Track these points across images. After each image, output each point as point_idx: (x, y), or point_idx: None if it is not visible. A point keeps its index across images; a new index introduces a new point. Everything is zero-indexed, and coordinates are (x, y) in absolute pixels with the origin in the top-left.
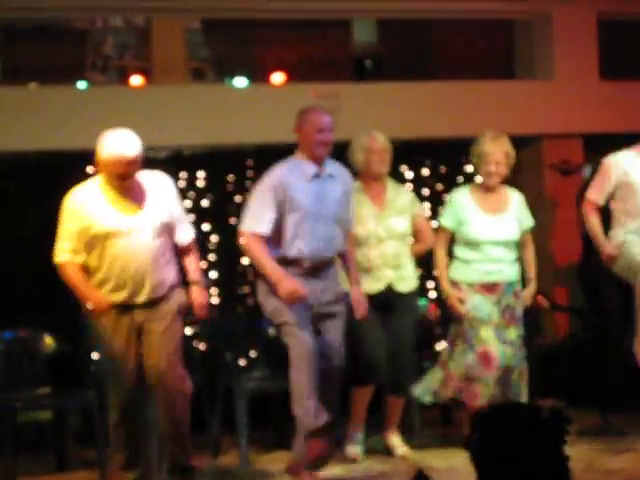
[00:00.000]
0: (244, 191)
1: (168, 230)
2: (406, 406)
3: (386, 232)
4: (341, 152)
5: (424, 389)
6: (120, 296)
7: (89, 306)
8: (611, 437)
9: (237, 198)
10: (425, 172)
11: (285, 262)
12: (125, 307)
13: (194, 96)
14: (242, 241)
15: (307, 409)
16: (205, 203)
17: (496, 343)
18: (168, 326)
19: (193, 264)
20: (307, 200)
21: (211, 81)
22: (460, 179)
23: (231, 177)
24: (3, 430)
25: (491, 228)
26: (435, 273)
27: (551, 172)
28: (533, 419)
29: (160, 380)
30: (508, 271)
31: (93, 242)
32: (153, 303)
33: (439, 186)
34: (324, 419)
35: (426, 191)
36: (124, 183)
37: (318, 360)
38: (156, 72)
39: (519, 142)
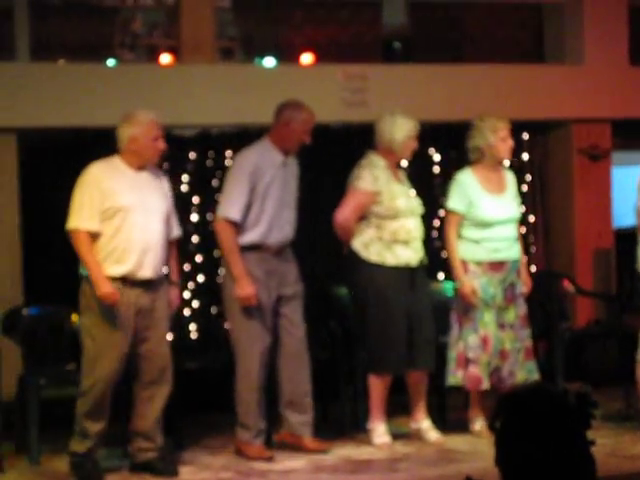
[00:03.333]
0: None
1: (167, 220)
2: (430, 388)
3: (416, 207)
4: (368, 134)
5: (447, 371)
6: (125, 268)
7: (98, 289)
8: (635, 423)
9: None
10: (453, 155)
11: (256, 246)
12: (125, 282)
13: (223, 75)
14: (215, 225)
15: (248, 421)
16: None
17: (494, 328)
18: (165, 325)
19: (175, 264)
20: (276, 187)
21: (240, 60)
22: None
23: None
24: (28, 406)
25: (498, 208)
26: (450, 259)
27: (579, 157)
28: (559, 403)
29: (161, 373)
30: (514, 249)
31: (109, 213)
32: (152, 284)
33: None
34: (263, 432)
35: (455, 174)
36: (145, 162)
37: (267, 360)
38: (185, 51)
39: (548, 126)
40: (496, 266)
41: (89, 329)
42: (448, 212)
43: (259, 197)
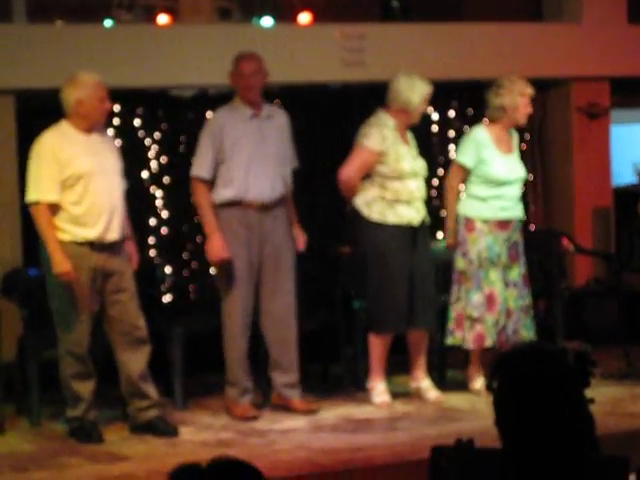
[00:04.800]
0: None
1: (121, 178)
2: (430, 347)
3: (420, 169)
4: (368, 92)
5: (447, 331)
6: (93, 233)
7: (54, 267)
8: (635, 381)
9: None
10: (451, 114)
11: (234, 203)
12: (92, 247)
13: (220, 35)
14: (191, 185)
15: (234, 379)
16: None
17: (500, 286)
18: (128, 276)
19: (126, 219)
20: (247, 141)
21: (237, 20)
22: (486, 121)
23: None
24: (29, 368)
25: (508, 167)
26: (446, 210)
27: (578, 115)
28: (555, 362)
29: (137, 336)
30: (518, 208)
31: (70, 182)
32: (117, 246)
33: (465, 128)
34: (249, 391)
35: (452, 133)
36: (93, 124)
37: (249, 321)
38: (182, 11)
39: (546, 84)
40: (502, 224)
41: (55, 290)
42: (455, 165)
43: (228, 153)
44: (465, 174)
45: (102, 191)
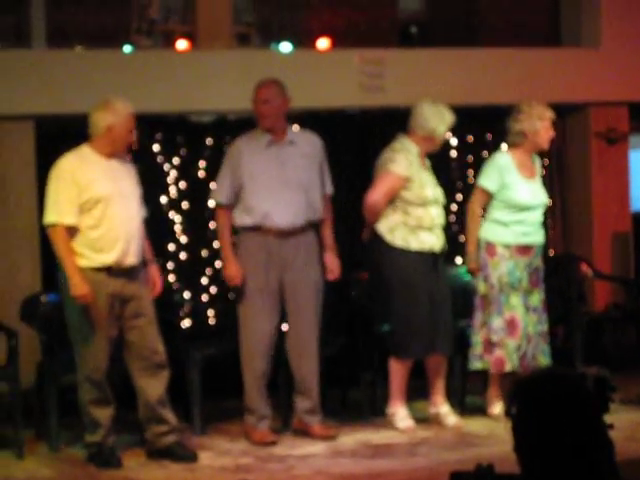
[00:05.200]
0: None
1: (140, 204)
2: (448, 372)
3: (440, 196)
4: (387, 118)
5: (472, 355)
6: (111, 258)
7: (72, 289)
8: None
9: None
10: (470, 139)
11: (256, 228)
12: (110, 272)
13: (239, 61)
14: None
15: (252, 405)
16: None
17: (522, 310)
18: (152, 311)
19: (147, 244)
20: (264, 169)
21: (256, 46)
22: (504, 147)
23: None
24: (47, 393)
25: (532, 192)
26: (467, 234)
27: (596, 140)
28: (573, 388)
29: (155, 361)
30: (540, 234)
31: (88, 205)
32: (136, 271)
33: (484, 153)
34: (266, 417)
35: (471, 158)
36: (116, 152)
37: (268, 346)
38: (201, 37)
39: (565, 110)
40: (523, 250)
41: (73, 315)
42: (478, 189)
43: (247, 180)
44: (487, 199)
45: (120, 216)
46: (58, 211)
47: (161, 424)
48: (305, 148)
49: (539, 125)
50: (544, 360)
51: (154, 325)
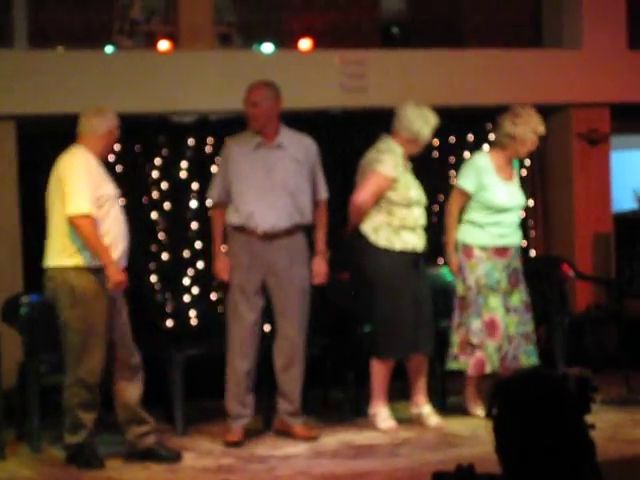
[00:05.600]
0: None
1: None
2: (429, 373)
3: (422, 197)
4: (370, 118)
5: (449, 356)
6: (115, 257)
7: (112, 277)
8: (636, 406)
9: None
10: (452, 140)
11: (241, 228)
12: (101, 272)
13: (221, 61)
14: None
15: (228, 404)
16: None
17: (502, 312)
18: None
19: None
20: (251, 171)
21: (238, 47)
22: (486, 147)
23: None
24: (29, 393)
25: (509, 194)
26: (446, 235)
27: (578, 141)
28: (554, 389)
29: (133, 362)
30: (517, 235)
31: (99, 201)
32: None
33: (465, 154)
34: (243, 416)
35: (452, 159)
36: (108, 154)
37: (249, 346)
38: (183, 37)
39: (546, 111)
40: (500, 251)
41: (73, 322)
42: (456, 190)
43: (234, 182)
44: (465, 199)
45: (119, 217)
46: (85, 200)
47: (142, 425)
48: (295, 152)
49: (530, 136)
50: (527, 360)
51: (129, 326)
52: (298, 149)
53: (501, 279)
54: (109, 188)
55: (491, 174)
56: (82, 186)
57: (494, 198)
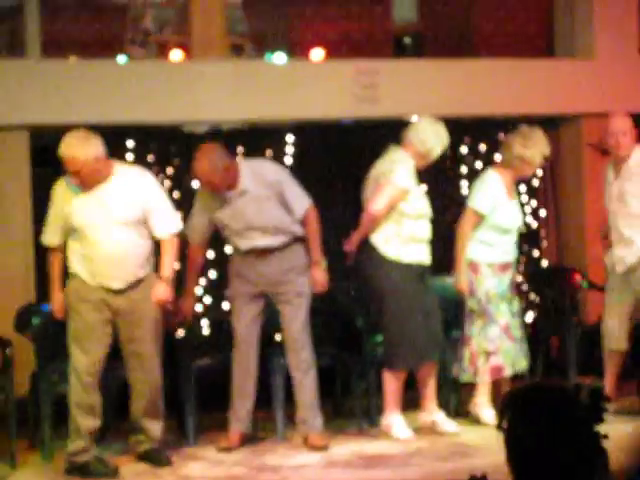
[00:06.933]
0: (282, 167)
1: (139, 225)
2: (441, 382)
3: (429, 211)
4: (381, 129)
5: (459, 368)
6: (94, 281)
7: (52, 304)
8: None
9: None
10: (464, 150)
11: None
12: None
13: (233, 71)
14: None
15: (233, 410)
16: None
17: (510, 317)
18: (141, 316)
19: (166, 259)
20: (229, 219)
21: (250, 57)
22: (498, 157)
23: (269, 153)
24: (41, 402)
25: (514, 215)
26: (456, 253)
27: (590, 151)
28: (570, 399)
29: (143, 370)
30: (516, 250)
31: (73, 230)
32: (126, 289)
33: (478, 164)
34: (239, 420)
35: (464, 169)
36: (85, 182)
37: (249, 354)
38: (195, 47)
39: (558, 121)
40: (504, 267)
41: (69, 319)
42: (471, 210)
43: (220, 225)
44: (479, 220)
45: (100, 244)
46: (49, 234)
47: (142, 433)
48: (257, 191)
49: (538, 161)
50: (524, 362)
51: (147, 340)
52: (259, 186)
53: (506, 289)
54: (84, 216)
55: (501, 194)
56: (49, 218)
57: (503, 219)
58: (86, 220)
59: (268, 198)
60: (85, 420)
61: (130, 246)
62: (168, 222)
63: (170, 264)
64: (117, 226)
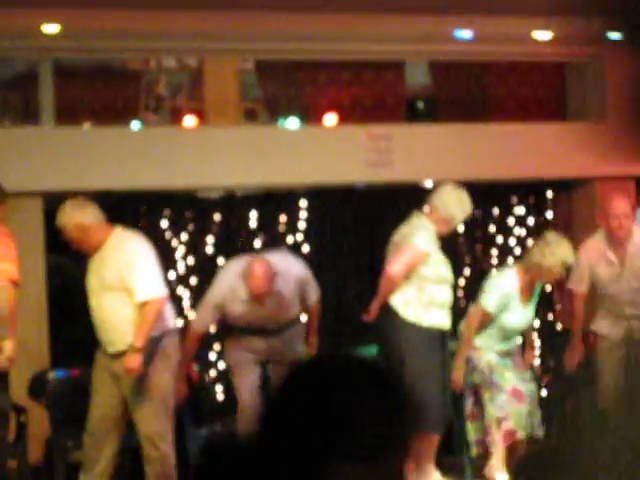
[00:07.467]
0: (296, 232)
1: (124, 291)
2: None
3: (451, 276)
4: (395, 193)
5: (467, 443)
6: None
7: None
8: None
9: (289, 239)
10: (477, 214)
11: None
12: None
13: (247, 137)
14: None
15: None
16: (257, 244)
17: (519, 381)
18: (149, 393)
19: (140, 327)
20: (244, 314)
21: (264, 122)
22: (511, 221)
23: (283, 218)
24: (56, 469)
25: (523, 317)
26: (461, 344)
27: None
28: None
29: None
30: (519, 339)
31: None
32: (120, 355)
33: (491, 228)
34: None
35: (478, 233)
36: (80, 247)
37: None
38: (209, 113)
39: (572, 184)
40: (504, 353)
41: None
42: (480, 308)
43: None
44: (487, 318)
45: (96, 309)
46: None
47: None
48: (286, 290)
49: (558, 270)
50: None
51: (146, 409)
52: (289, 286)
53: (507, 364)
54: (87, 282)
55: (514, 298)
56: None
57: (508, 321)
58: (86, 285)
59: (292, 295)
60: (84, 476)
61: (115, 311)
62: (145, 287)
63: (143, 333)
64: (107, 292)
